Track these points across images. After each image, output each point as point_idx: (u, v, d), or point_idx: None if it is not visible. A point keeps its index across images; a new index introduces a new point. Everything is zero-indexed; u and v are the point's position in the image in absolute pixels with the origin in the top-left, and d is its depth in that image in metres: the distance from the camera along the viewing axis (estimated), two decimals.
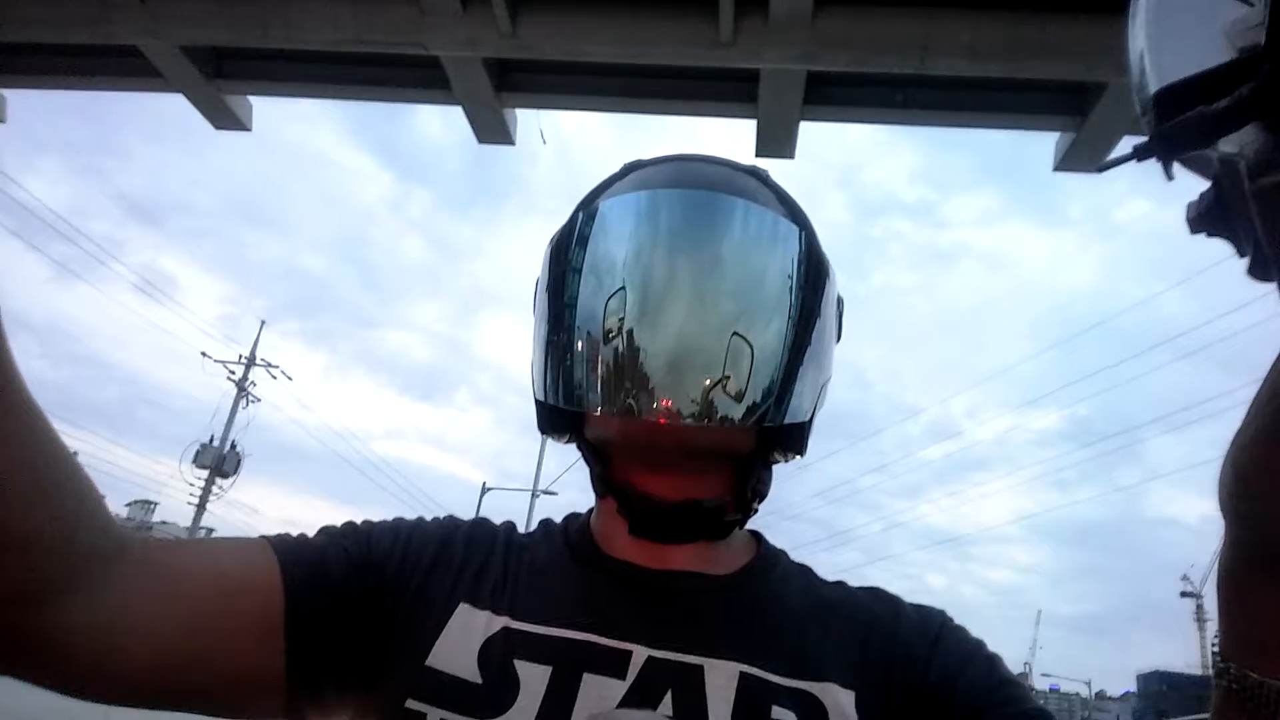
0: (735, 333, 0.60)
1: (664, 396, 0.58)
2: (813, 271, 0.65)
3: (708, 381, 0.58)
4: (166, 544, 0.56)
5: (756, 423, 0.60)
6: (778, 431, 0.65)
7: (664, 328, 0.60)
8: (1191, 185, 0.32)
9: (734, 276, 0.62)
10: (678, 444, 0.61)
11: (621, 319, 0.59)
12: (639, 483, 0.62)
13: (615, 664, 0.56)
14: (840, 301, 0.70)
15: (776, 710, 0.54)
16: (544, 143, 2.85)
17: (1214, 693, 0.39)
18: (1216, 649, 0.39)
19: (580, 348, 0.61)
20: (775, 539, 0.71)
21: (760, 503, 0.67)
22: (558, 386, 0.63)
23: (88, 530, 0.48)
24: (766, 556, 0.67)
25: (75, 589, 0.47)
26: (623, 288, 0.60)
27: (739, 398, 0.59)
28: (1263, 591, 0.35)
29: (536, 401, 0.67)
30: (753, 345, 0.60)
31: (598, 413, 0.61)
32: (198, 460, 20.42)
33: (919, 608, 0.64)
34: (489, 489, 20.84)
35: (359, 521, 0.65)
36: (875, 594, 0.66)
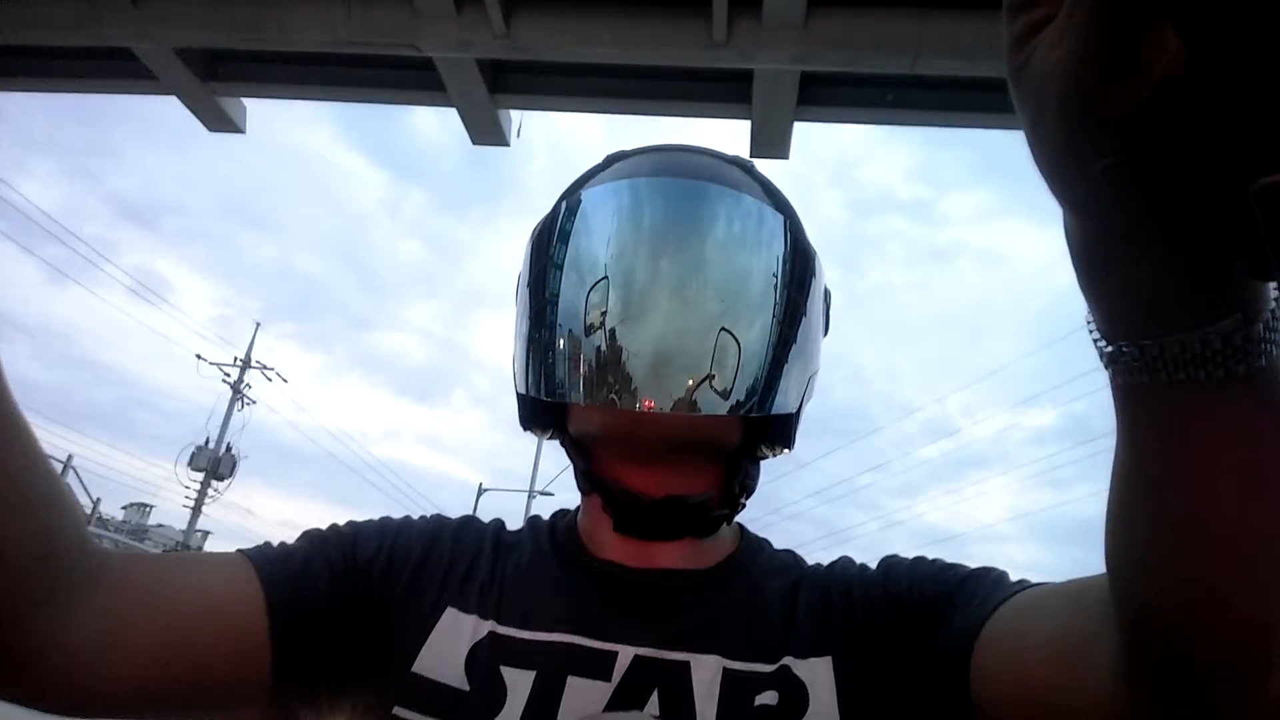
0: (719, 324, 0.59)
1: (646, 388, 0.57)
2: (799, 263, 0.64)
3: (691, 373, 0.58)
4: (145, 561, 0.55)
5: (742, 414, 0.60)
6: (764, 424, 0.65)
7: (647, 319, 0.59)
8: None
9: (718, 267, 0.61)
10: (661, 437, 0.61)
11: (604, 311, 0.59)
12: (623, 478, 0.62)
13: (600, 666, 0.56)
14: (827, 294, 0.70)
15: (760, 697, 0.54)
16: (518, 136, 2.88)
17: (1115, 398, 0.36)
18: (1098, 338, 0.37)
19: (562, 340, 0.60)
20: (773, 539, 0.71)
21: (747, 498, 0.67)
22: (539, 379, 0.62)
23: (66, 545, 0.48)
24: (747, 548, 0.67)
25: (53, 604, 0.47)
26: (605, 279, 0.60)
27: (723, 389, 0.58)
28: (1132, 260, 0.33)
29: (518, 395, 0.67)
30: (737, 336, 0.59)
31: (581, 404, 0.61)
32: (193, 463, 20.36)
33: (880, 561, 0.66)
34: (485, 490, 20.79)
35: (344, 524, 0.65)
36: (842, 561, 0.67)
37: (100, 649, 0.49)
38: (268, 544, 0.60)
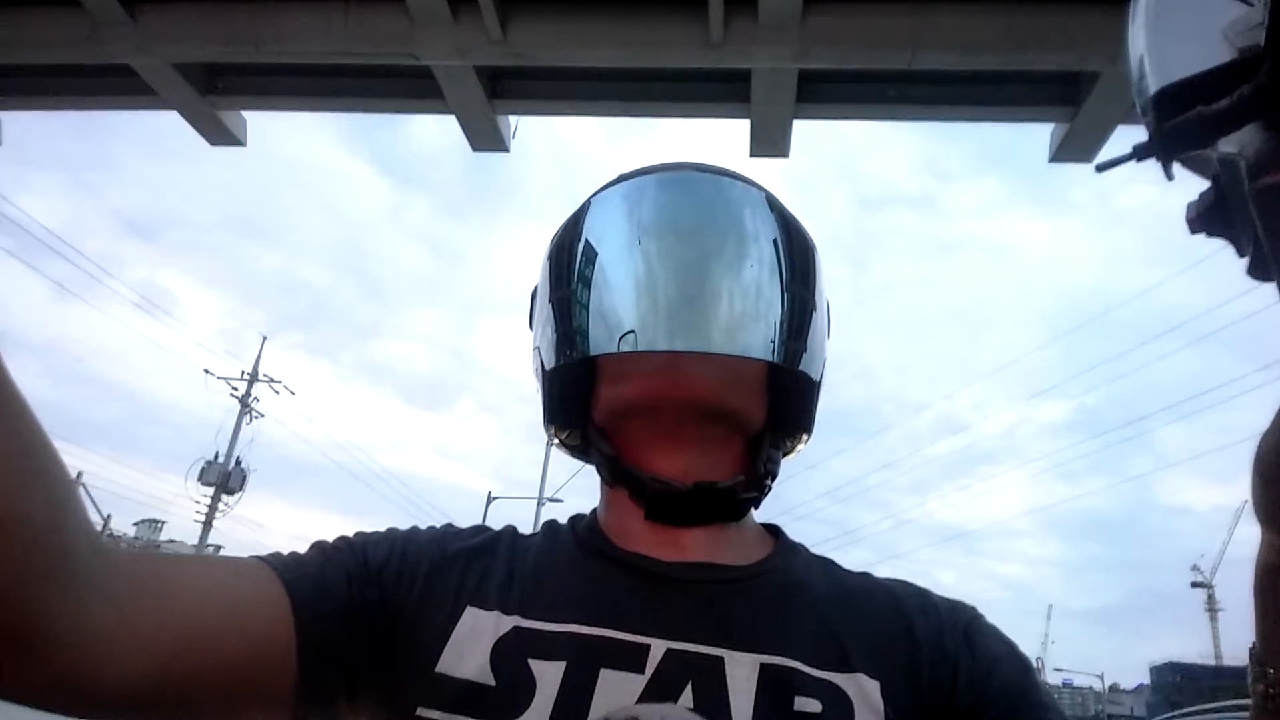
0: (750, 284, 0.62)
1: (688, 330, 0.61)
2: (805, 250, 0.68)
3: (728, 319, 0.61)
4: (157, 555, 0.54)
5: (775, 360, 0.62)
6: (787, 401, 0.66)
7: (683, 276, 0.63)
8: (1191, 182, 0.32)
9: (742, 238, 0.65)
10: (695, 400, 0.61)
11: (641, 272, 0.62)
12: (652, 463, 0.63)
13: (633, 658, 0.55)
14: (827, 304, 0.71)
15: (800, 701, 0.53)
16: (514, 138, 2.91)
17: (1252, 698, 0.40)
18: (1254, 651, 0.40)
19: (596, 303, 0.62)
20: None
21: (773, 481, 0.67)
22: (576, 343, 0.63)
23: (78, 522, 0.46)
24: (786, 548, 0.67)
25: (66, 580, 0.44)
26: (639, 247, 0.63)
27: (756, 335, 0.61)
28: None
29: (547, 378, 0.67)
30: (765, 296, 0.63)
31: (622, 352, 0.61)
32: (203, 478, 20.39)
33: (948, 601, 0.63)
34: (495, 498, 20.80)
35: (352, 535, 0.65)
36: (903, 585, 0.65)
37: (115, 633, 0.46)
38: (278, 554, 0.60)
